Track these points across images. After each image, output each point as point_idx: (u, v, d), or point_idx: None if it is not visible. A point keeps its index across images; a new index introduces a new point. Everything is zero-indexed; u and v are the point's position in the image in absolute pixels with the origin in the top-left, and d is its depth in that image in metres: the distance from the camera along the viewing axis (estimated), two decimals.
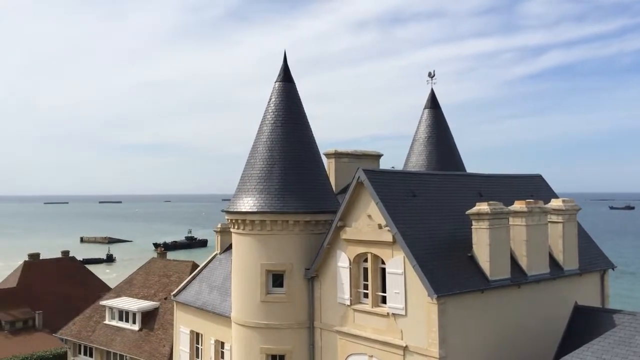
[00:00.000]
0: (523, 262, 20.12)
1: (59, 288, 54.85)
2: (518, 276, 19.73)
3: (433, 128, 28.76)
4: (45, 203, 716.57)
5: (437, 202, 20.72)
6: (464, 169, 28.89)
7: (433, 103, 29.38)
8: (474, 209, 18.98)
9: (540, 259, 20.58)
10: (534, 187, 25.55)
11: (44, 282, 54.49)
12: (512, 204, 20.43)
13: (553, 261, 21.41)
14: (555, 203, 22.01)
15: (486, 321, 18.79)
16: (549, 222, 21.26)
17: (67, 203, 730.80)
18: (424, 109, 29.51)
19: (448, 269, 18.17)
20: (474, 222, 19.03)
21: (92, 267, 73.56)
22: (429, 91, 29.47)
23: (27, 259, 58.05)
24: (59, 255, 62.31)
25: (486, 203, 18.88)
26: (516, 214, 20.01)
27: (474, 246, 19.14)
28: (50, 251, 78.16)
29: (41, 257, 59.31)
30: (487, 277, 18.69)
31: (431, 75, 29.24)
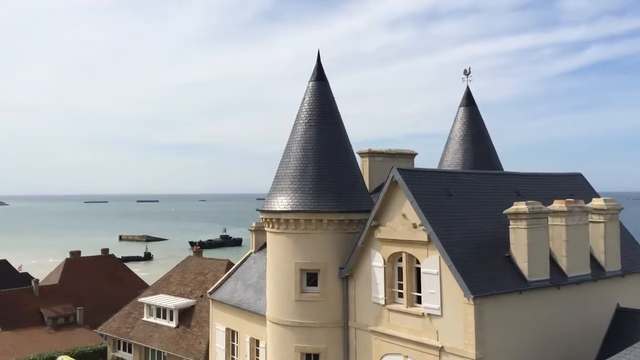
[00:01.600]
0: (563, 263, 19.66)
1: (99, 285, 56.22)
2: (557, 277, 19.29)
3: (469, 126, 28.35)
4: (85, 202, 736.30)
5: (474, 202, 20.42)
6: (500, 167, 28.40)
7: (469, 100, 28.97)
8: (512, 209, 18.63)
9: (581, 259, 20.07)
10: (574, 186, 24.93)
11: (85, 279, 55.93)
12: (551, 203, 19.99)
13: (594, 262, 20.86)
14: (596, 202, 21.45)
15: (524, 323, 18.43)
16: (590, 222, 20.71)
17: (106, 202, 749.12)
18: (460, 106, 29.13)
19: (485, 270, 17.89)
20: (511, 222, 18.68)
21: (130, 265, 75.19)
22: (464, 89, 29.11)
23: (68, 256, 59.71)
24: (99, 253, 63.91)
25: (524, 202, 18.52)
26: (555, 213, 19.57)
27: (511, 246, 18.79)
28: (90, 249, 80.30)
29: (82, 255, 60.93)
30: (525, 278, 18.33)
31: (467, 73, 28.84)
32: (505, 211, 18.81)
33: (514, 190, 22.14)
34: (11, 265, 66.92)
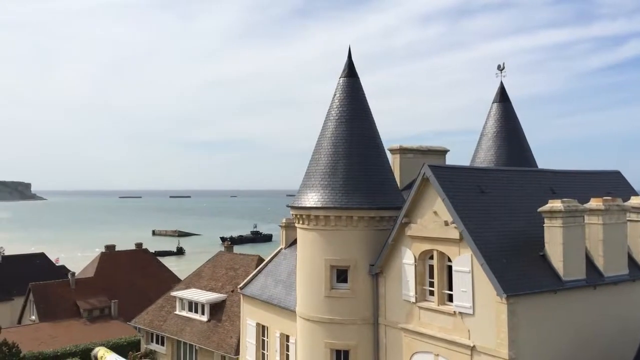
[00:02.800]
0: (599, 263, 19.18)
1: (133, 278, 57.33)
2: (594, 277, 18.83)
3: (502, 122, 27.86)
4: (120, 197, 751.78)
5: (507, 199, 20.08)
6: (535, 165, 27.84)
7: (502, 96, 28.46)
8: (547, 207, 18.25)
9: (619, 259, 19.54)
10: (611, 184, 24.27)
11: (119, 273, 57.09)
12: (588, 201, 19.49)
13: (632, 262, 20.29)
14: (635, 200, 20.84)
15: (559, 323, 18.05)
16: (628, 220, 20.13)
17: (140, 197, 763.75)
18: (493, 102, 28.64)
19: (518, 268, 17.58)
20: (546, 220, 18.30)
21: (163, 259, 76.39)
22: (498, 84, 28.60)
23: (103, 250, 61.07)
24: (133, 247, 65.16)
25: (559, 200, 18.13)
26: (592, 211, 19.09)
27: (546, 245, 18.42)
28: (125, 243, 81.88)
29: (117, 249, 62.22)
30: (560, 278, 17.94)
31: (500, 68, 28.32)
32: (540, 209, 18.44)
33: (549, 187, 21.68)
34: (49, 259, 68.87)
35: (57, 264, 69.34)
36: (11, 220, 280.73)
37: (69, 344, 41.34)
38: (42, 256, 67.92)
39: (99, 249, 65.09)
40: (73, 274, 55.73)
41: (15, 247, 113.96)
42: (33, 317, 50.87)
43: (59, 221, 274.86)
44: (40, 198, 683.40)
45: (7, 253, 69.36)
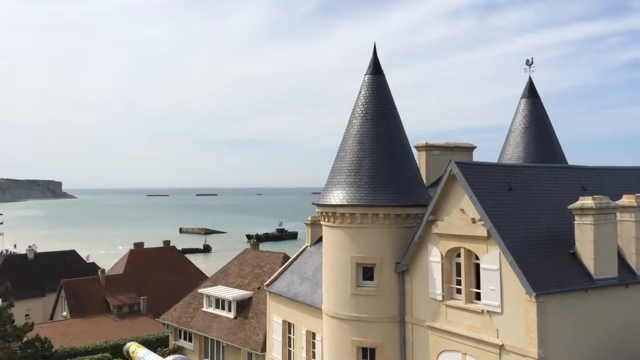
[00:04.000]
0: (632, 261, 18.76)
1: (161, 275, 58.14)
2: (626, 275, 18.43)
3: (531, 118, 27.40)
4: (148, 195, 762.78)
5: (536, 196, 19.76)
6: (565, 161, 27.32)
7: (531, 92, 27.99)
8: (577, 204, 17.91)
9: None
10: None
11: (148, 270, 57.93)
12: (620, 198, 19.08)
13: None
14: None
15: (589, 322, 17.72)
16: None
17: (167, 195, 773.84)
18: (521, 98, 28.19)
19: (548, 266, 17.30)
20: (576, 218, 17.97)
21: (190, 257, 77.31)
22: (526, 80, 28.12)
23: (132, 247, 62.05)
24: (161, 244, 66.09)
25: (590, 197, 17.77)
26: (624, 209, 18.69)
27: (576, 243, 18.08)
28: (153, 240, 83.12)
29: (145, 246, 63.15)
30: (591, 276, 17.61)
31: (529, 63, 27.85)
32: (571, 206, 18.11)
33: (580, 184, 21.26)
34: (80, 256, 70.32)
35: (87, 261, 70.76)
36: (43, 218, 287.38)
37: (99, 340, 42.11)
38: (73, 253, 69.41)
39: (128, 246, 66.11)
40: (103, 270, 56.75)
41: (47, 244, 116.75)
42: (64, 313, 51.98)
43: (88, 219, 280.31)
44: (71, 196, 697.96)
45: (39, 250, 71.13)
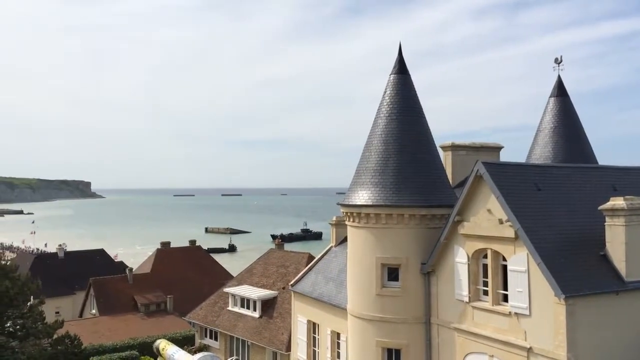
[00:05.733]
0: None
1: (187, 274, 58.78)
2: None
3: (560, 117, 26.93)
4: (174, 195, 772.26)
5: (565, 197, 19.42)
6: (595, 161, 26.79)
7: (560, 91, 27.51)
8: (608, 204, 17.54)
9: None
10: None
11: (174, 269, 58.65)
12: None
13: None
14: None
15: (621, 325, 17.33)
16: None
17: (193, 195, 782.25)
18: (550, 97, 27.73)
19: (577, 268, 16.98)
20: (607, 219, 17.60)
21: (215, 256, 78.04)
22: (555, 78, 27.66)
23: (159, 246, 62.89)
24: (187, 244, 66.85)
25: (622, 198, 17.39)
26: None
27: (607, 244, 17.71)
28: (179, 240, 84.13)
29: (171, 246, 63.94)
30: (622, 278, 17.23)
31: (558, 61, 27.38)
32: (601, 207, 17.74)
33: (611, 184, 20.82)
34: (108, 254, 71.56)
35: (115, 260, 71.98)
36: (73, 218, 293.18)
37: (127, 337, 42.73)
38: (101, 252, 70.67)
39: (155, 246, 67.03)
40: (131, 269, 57.63)
41: (77, 243, 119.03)
42: (93, 311, 52.95)
43: (116, 218, 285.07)
44: (99, 196, 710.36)
45: (69, 249, 72.61)
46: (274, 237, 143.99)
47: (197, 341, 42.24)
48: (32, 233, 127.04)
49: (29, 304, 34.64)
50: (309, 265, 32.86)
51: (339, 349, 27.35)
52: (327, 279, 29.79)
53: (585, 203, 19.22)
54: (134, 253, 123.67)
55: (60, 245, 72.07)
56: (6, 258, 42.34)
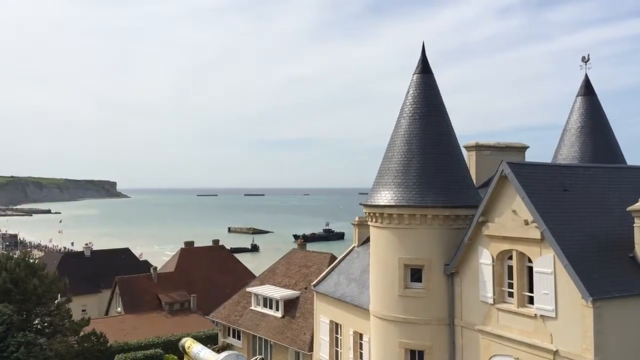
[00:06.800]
0: None
1: (210, 274, 59.23)
2: None
3: (587, 117, 26.45)
4: (197, 195, 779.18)
5: (592, 197, 19.07)
6: (624, 161, 26.24)
7: (587, 90, 27.02)
8: (637, 205, 17.19)
9: None
10: None
11: (198, 268, 59.16)
12: None
13: None
14: None
15: None
16: None
17: (216, 195, 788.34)
18: (577, 96, 27.26)
19: (605, 270, 16.67)
20: (636, 220, 17.25)
21: (238, 256, 78.44)
22: (582, 77, 27.17)
23: (183, 246, 63.52)
24: (210, 243, 67.34)
25: None
26: None
27: (636, 246, 17.34)
28: (202, 239, 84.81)
29: (195, 245, 64.51)
30: None
31: (585, 60, 26.88)
32: (629, 208, 17.39)
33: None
34: (133, 253, 72.54)
35: (140, 259, 72.92)
36: (99, 217, 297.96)
37: (152, 336, 43.22)
38: (127, 251, 71.68)
39: (179, 245, 67.70)
40: (155, 268, 58.30)
41: (103, 242, 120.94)
42: (119, 309, 53.69)
43: (141, 218, 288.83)
44: (125, 196, 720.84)
45: (95, 248, 73.82)
46: (296, 237, 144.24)
47: (220, 340, 42.53)
48: (59, 232, 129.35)
49: (56, 301, 35.30)
50: (331, 266, 32.83)
51: (361, 349, 27.27)
52: (350, 279, 29.72)
53: (613, 204, 18.86)
54: (158, 252, 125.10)
55: (86, 244, 73.36)
56: (34, 256, 43.21)
